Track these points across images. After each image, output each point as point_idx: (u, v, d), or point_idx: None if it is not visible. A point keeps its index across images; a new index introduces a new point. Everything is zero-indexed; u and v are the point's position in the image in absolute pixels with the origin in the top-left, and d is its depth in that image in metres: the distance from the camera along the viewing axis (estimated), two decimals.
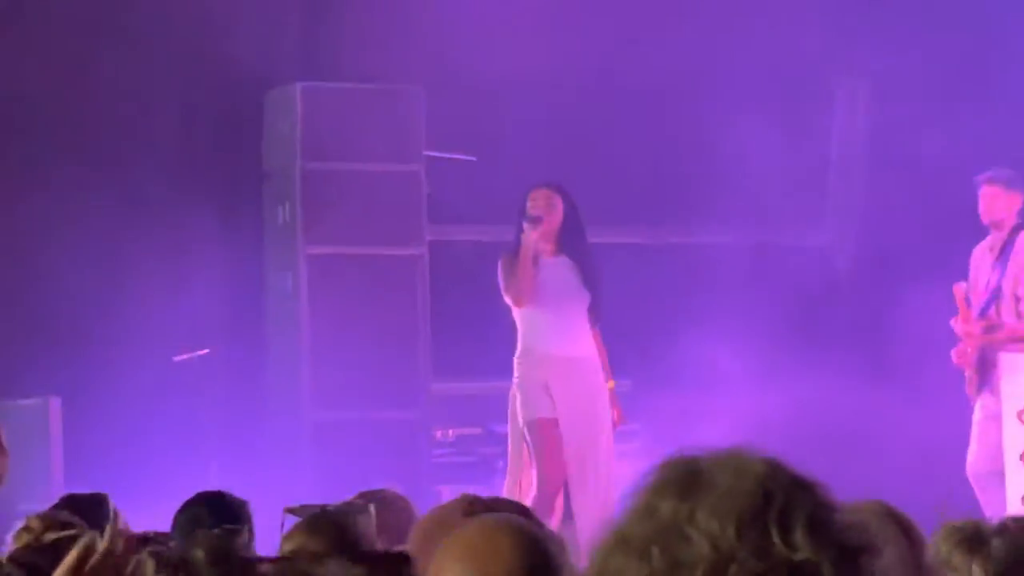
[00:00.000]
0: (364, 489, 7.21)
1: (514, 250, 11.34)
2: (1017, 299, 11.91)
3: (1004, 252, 11.96)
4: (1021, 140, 13.30)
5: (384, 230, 13.41)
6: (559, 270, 11.40)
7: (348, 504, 6.10)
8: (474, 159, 13.88)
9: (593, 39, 14.27)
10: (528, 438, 11.29)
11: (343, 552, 5.30)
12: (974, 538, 4.34)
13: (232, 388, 13.22)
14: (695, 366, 13.21)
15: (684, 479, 2.53)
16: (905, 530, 4.56)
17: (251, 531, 6.76)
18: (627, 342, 13.39)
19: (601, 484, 11.17)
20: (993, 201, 11.99)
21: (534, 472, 11.27)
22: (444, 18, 13.73)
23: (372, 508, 6.53)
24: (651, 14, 14.15)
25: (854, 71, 15.07)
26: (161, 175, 13.32)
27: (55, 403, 11.80)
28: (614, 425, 11.80)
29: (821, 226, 15.37)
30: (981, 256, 12.07)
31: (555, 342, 11.37)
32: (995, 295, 11.92)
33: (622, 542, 2.53)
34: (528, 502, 10.26)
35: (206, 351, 12.84)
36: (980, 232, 12.40)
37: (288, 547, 5.52)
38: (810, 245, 15.03)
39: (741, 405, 12.58)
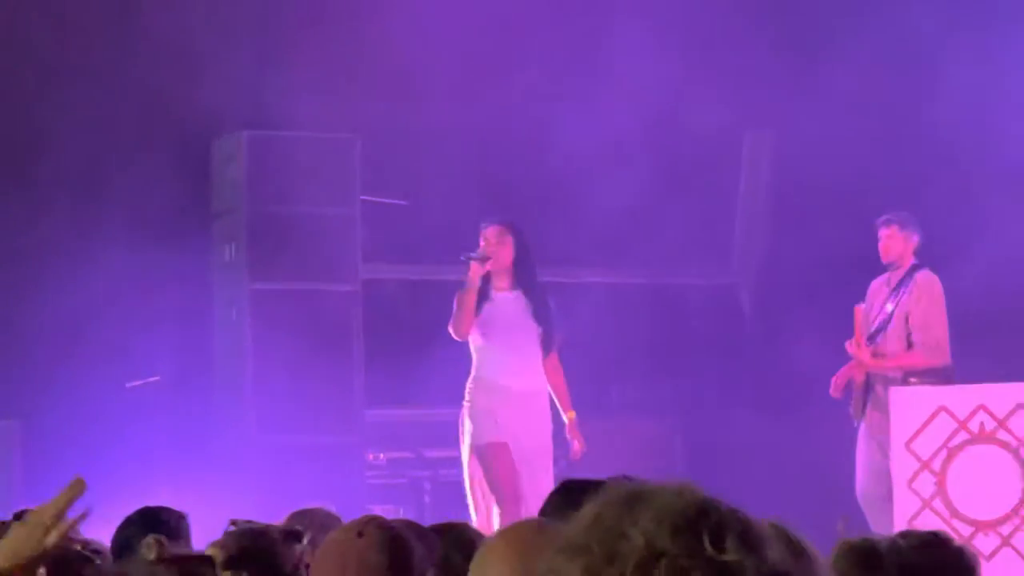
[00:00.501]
0: (301, 508, 7.31)
1: (466, 288, 11.23)
2: (909, 331, 12.02)
3: (900, 287, 12.08)
4: (917, 182, 13.36)
5: (322, 268, 13.40)
6: (511, 305, 11.29)
7: (283, 529, 5.95)
8: (405, 203, 13.95)
9: (514, 93, 14.12)
10: (481, 463, 11.17)
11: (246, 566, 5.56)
12: (870, 555, 4.41)
13: (181, 413, 13.19)
14: (600, 394, 13.34)
15: (630, 495, 2.61)
16: (796, 550, 3.90)
17: (188, 543, 6.73)
18: None
19: (539, 492, 10.46)
20: (891, 242, 12.08)
21: (493, 496, 11.15)
22: (379, 72, 13.91)
23: (306, 536, 6.41)
24: (568, 72, 14.22)
25: (759, 121, 15.09)
26: (117, 215, 13.22)
27: (17, 426, 11.92)
28: (574, 455, 11.69)
29: (727, 267, 15.32)
30: (878, 288, 12.17)
31: (504, 373, 11.23)
32: (884, 325, 12.06)
33: (567, 546, 2.62)
34: (497, 524, 10.56)
35: (157, 378, 13.00)
36: (877, 268, 12.28)
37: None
38: (716, 284, 15.06)
39: (641, 430, 12.81)
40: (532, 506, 10.70)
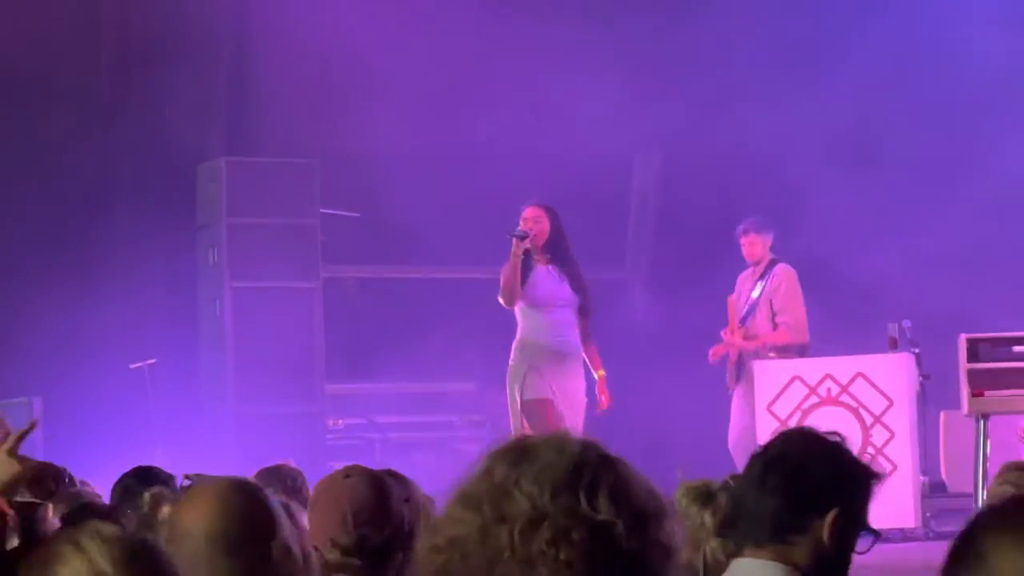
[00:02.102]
0: (271, 465, 7.37)
1: (514, 261, 10.88)
2: (772, 313, 12.00)
3: (763, 278, 12.05)
4: (767, 197, 13.28)
5: (289, 269, 13.35)
6: (549, 277, 10.92)
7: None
8: (357, 215, 13.74)
9: (445, 121, 13.89)
10: (529, 417, 10.87)
11: None
12: (704, 494, 4.30)
13: (173, 389, 13.01)
14: None
15: (515, 451, 2.52)
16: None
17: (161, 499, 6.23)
18: (475, 349, 13.43)
19: None
20: (751, 246, 12.07)
21: None
22: (334, 108, 13.79)
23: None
24: (495, 102, 13.96)
25: (649, 140, 14.89)
26: (120, 227, 13.37)
27: (38, 401, 11.69)
28: (601, 407, 11.41)
29: (621, 263, 15.19)
30: (744, 280, 12.12)
31: (546, 336, 10.90)
32: (752, 310, 12.05)
33: (461, 497, 2.52)
34: None
35: (153, 361, 12.70)
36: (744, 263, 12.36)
37: None
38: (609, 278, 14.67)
39: None
40: None
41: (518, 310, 10.96)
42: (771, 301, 12.02)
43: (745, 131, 14.44)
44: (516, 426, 10.99)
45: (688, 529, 4.13)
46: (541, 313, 10.93)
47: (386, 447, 12.89)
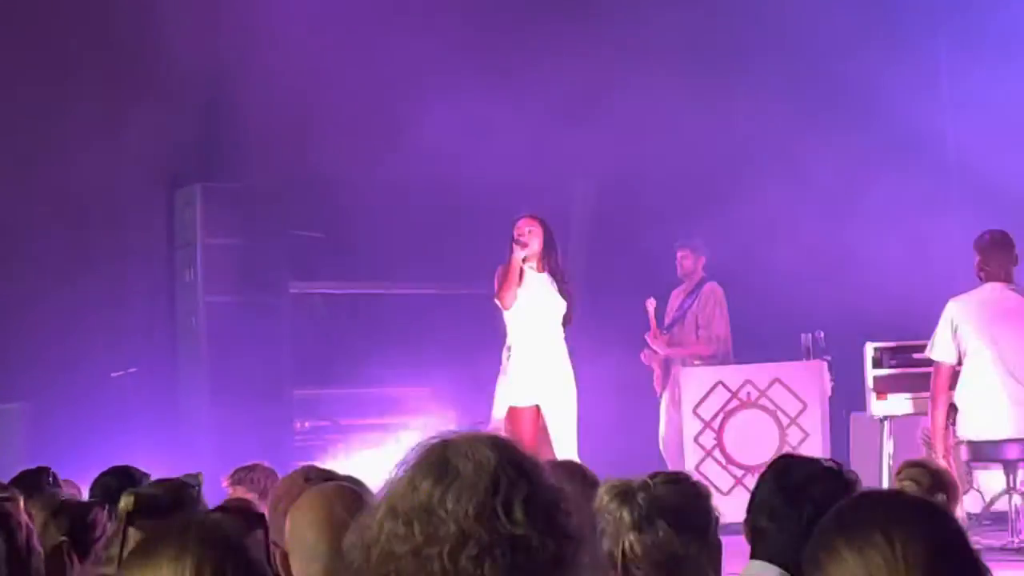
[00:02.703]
0: (246, 464, 7.43)
1: (505, 266, 10.71)
2: (698, 327, 12.17)
3: (692, 294, 12.28)
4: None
5: (259, 285, 13.34)
6: (541, 283, 10.71)
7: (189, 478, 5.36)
8: (320, 235, 13.83)
9: (401, 147, 13.58)
10: (510, 422, 10.59)
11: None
12: (625, 491, 4.23)
13: (153, 394, 13.01)
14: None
15: (437, 466, 2.49)
16: (587, 481, 4.63)
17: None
18: (428, 357, 13.29)
19: (566, 447, 10.42)
20: (684, 260, 12.32)
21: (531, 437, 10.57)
22: (301, 133, 13.63)
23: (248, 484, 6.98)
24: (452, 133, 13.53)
25: (584, 173, 14.98)
26: (103, 245, 13.24)
27: (24, 407, 11.68)
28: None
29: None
30: (676, 295, 12.33)
31: (534, 341, 10.69)
32: (677, 320, 12.27)
33: (392, 510, 2.51)
34: None
35: (134, 369, 12.79)
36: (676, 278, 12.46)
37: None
38: None
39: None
40: (564, 442, 10.54)
41: (508, 315, 10.80)
42: (697, 316, 12.22)
43: (664, 155, 14.28)
44: (497, 425, 10.72)
45: (609, 524, 4.15)
46: (530, 319, 10.76)
47: (348, 446, 12.67)
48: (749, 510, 4.39)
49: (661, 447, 11.99)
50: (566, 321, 10.79)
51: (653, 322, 12.17)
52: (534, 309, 10.68)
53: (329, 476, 4.79)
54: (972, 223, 12.01)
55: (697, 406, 11.32)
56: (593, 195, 14.54)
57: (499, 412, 10.64)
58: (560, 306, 10.71)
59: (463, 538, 2.40)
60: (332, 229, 13.97)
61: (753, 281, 12.87)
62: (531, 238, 10.62)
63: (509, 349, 10.75)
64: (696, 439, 11.32)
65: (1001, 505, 9.74)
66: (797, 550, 3.51)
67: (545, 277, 10.73)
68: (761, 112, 14.53)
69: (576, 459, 9.97)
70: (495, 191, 13.40)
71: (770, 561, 4.19)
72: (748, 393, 11.27)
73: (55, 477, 7.05)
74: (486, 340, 12.91)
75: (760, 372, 11.35)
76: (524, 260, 10.64)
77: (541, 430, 10.47)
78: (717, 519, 4.24)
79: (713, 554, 4.17)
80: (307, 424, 13.34)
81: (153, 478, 6.50)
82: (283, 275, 13.59)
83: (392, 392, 13.68)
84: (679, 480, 4.27)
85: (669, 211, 13.79)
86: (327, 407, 13.59)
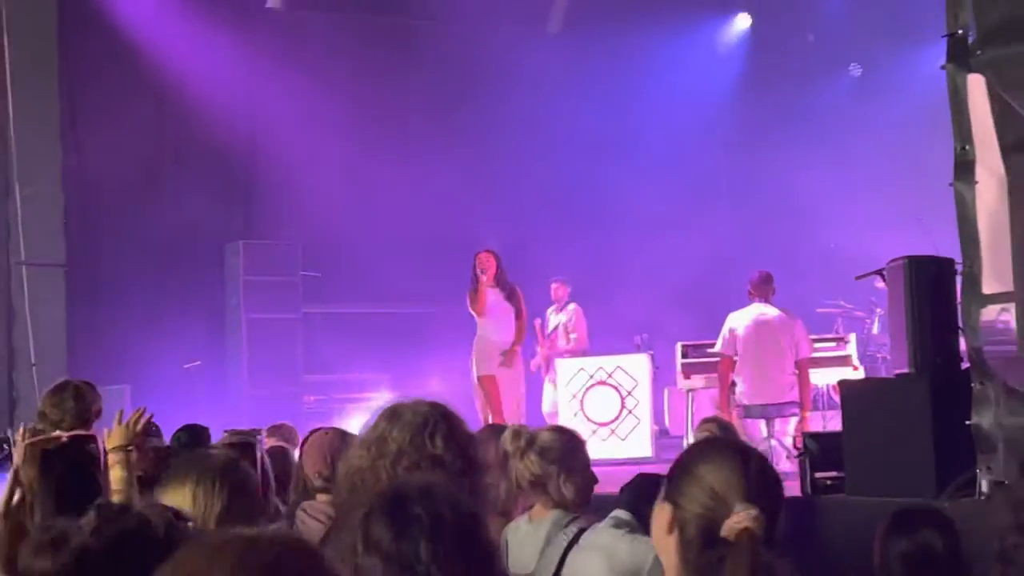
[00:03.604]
0: (274, 423, 7.49)
1: (474, 287, 10.51)
2: (568, 332, 11.93)
3: (562, 310, 12.06)
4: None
5: (281, 307, 13.34)
6: (496, 295, 10.58)
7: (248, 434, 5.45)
8: (319, 275, 13.47)
9: (373, 204, 13.52)
10: (481, 387, 10.50)
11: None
12: (518, 434, 4.07)
13: (211, 379, 12.94)
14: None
15: (390, 412, 2.52)
16: (498, 431, 4.37)
17: (209, 443, 6.45)
18: (393, 354, 13.31)
19: (513, 413, 10.28)
20: (557, 291, 12.07)
21: (489, 408, 10.42)
22: (312, 203, 13.31)
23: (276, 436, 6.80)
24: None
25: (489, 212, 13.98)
26: (181, 280, 13.23)
27: (127, 388, 11.35)
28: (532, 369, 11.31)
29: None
30: (551, 312, 12.08)
31: (493, 334, 10.56)
32: (555, 330, 12.04)
33: (361, 442, 2.51)
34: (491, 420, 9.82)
35: (199, 362, 12.82)
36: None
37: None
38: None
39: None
40: (508, 409, 10.35)
41: (477, 318, 10.61)
42: (566, 325, 12.08)
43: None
44: (475, 390, 10.60)
45: (508, 455, 4.01)
46: (490, 320, 10.59)
47: (340, 412, 12.46)
48: (622, 489, 4.23)
49: (545, 411, 11.73)
50: (517, 316, 10.66)
51: (540, 333, 12.07)
52: (492, 313, 10.59)
53: (328, 429, 4.98)
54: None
55: (568, 384, 11.19)
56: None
57: (473, 378, 10.54)
58: (509, 311, 10.63)
59: (400, 455, 2.43)
60: (328, 269, 13.54)
61: (602, 300, 12.61)
62: (488, 265, 10.52)
63: (477, 339, 10.62)
64: (567, 404, 11.12)
65: (762, 447, 9.35)
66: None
67: (499, 291, 10.61)
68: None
69: (517, 412, 10.33)
70: (443, 232, 13.34)
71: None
72: (600, 375, 11.12)
73: (157, 428, 6.81)
74: (428, 344, 13.20)
75: (608, 361, 11.21)
76: (484, 282, 10.51)
77: (494, 391, 10.44)
78: (587, 456, 4.08)
79: (577, 479, 3.97)
80: (313, 399, 13.21)
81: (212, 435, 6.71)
82: (296, 300, 13.46)
83: (360, 376, 13.37)
84: (563, 430, 4.20)
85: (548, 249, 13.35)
86: (326, 387, 13.39)
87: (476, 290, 10.53)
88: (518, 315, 10.66)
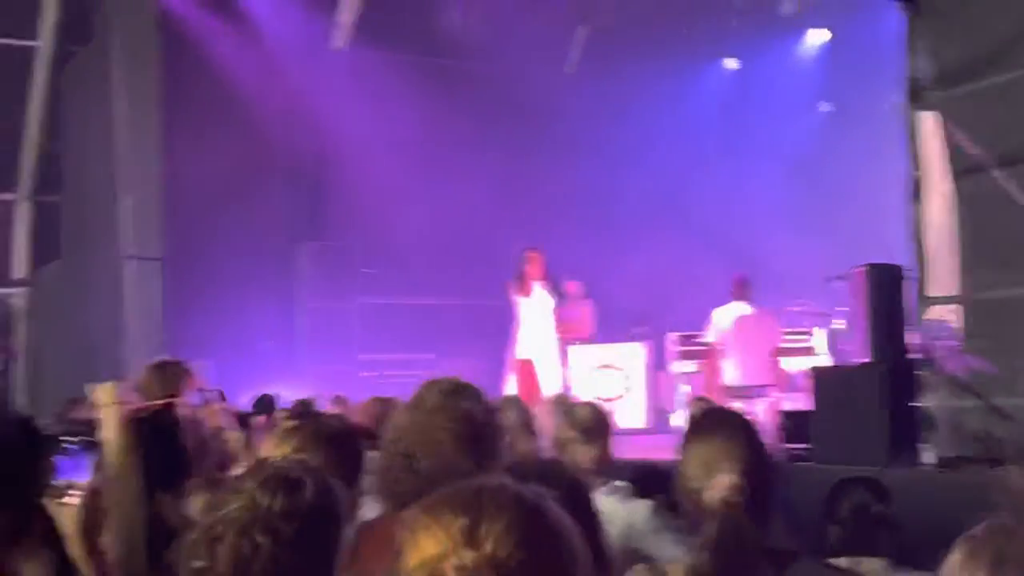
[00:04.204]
0: (336, 395, 7.74)
1: (519, 279, 10.16)
2: (579, 323, 11.28)
3: (574, 304, 11.31)
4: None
5: (341, 297, 13.22)
6: (539, 291, 10.20)
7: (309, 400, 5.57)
8: (374, 271, 13.33)
9: (427, 207, 13.22)
10: (518, 369, 10.16)
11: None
12: (568, 406, 4.00)
13: (283, 358, 12.77)
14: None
15: (429, 382, 2.44)
16: (524, 410, 4.28)
17: (275, 408, 6.48)
18: (439, 338, 13.19)
19: (549, 382, 9.96)
20: (571, 288, 11.26)
21: (529, 383, 10.00)
22: (369, 210, 13.22)
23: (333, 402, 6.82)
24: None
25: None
26: (261, 274, 12.98)
27: (212, 363, 10.48)
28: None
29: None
30: (565, 306, 11.02)
31: (534, 325, 10.19)
32: (567, 320, 11.02)
33: (402, 408, 2.47)
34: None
35: (272, 343, 12.82)
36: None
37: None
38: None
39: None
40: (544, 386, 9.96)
41: (520, 306, 10.27)
42: (578, 317, 11.55)
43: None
44: (513, 372, 10.25)
45: (556, 429, 3.86)
46: (531, 311, 10.26)
47: (388, 386, 11.06)
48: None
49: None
50: (557, 307, 10.31)
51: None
52: (535, 304, 10.29)
53: (374, 398, 5.25)
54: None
55: (578, 366, 11.08)
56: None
57: (512, 361, 10.32)
58: (550, 301, 10.30)
59: (436, 408, 2.36)
60: (381, 267, 13.47)
61: (607, 295, 12.21)
62: (533, 262, 10.23)
63: (521, 328, 10.29)
64: (577, 383, 10.86)
65: None
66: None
67: (544, 284, 10.25)
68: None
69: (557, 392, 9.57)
70: (477, 236, 13.14)
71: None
72: (604, 360, 11.16)
73: (222, 394, 7.37)
74: (463, 330, 13.19)
75: (611, 348, 11.26)
76: (530, 274, 10.20)
77: (533, 373, 10.17)
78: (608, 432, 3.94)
79: (604, 434, 3.87)
80: (366, 374, 13.06)
81: (282, 403, 6.92)
82: (354, 292, 13.38)
83: (412, 356, 13.18)
84: (595, 407, 4.07)
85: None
86: (378, 365, 13.23)
87: (521, 280, 10.22)
88: (556, 307, 10.38)
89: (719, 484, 1.96)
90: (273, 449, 2.45)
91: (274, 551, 1.64)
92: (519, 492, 1.20)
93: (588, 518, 1.92)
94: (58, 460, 2.19)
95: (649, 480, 3.82)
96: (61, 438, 2.24)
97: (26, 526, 2.07)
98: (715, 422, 2.16)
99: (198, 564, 1.63)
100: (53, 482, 2.15)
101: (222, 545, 1.64)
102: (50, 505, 2.02)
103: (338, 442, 2.47)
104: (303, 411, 4.90)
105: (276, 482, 1.70)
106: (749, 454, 2.06)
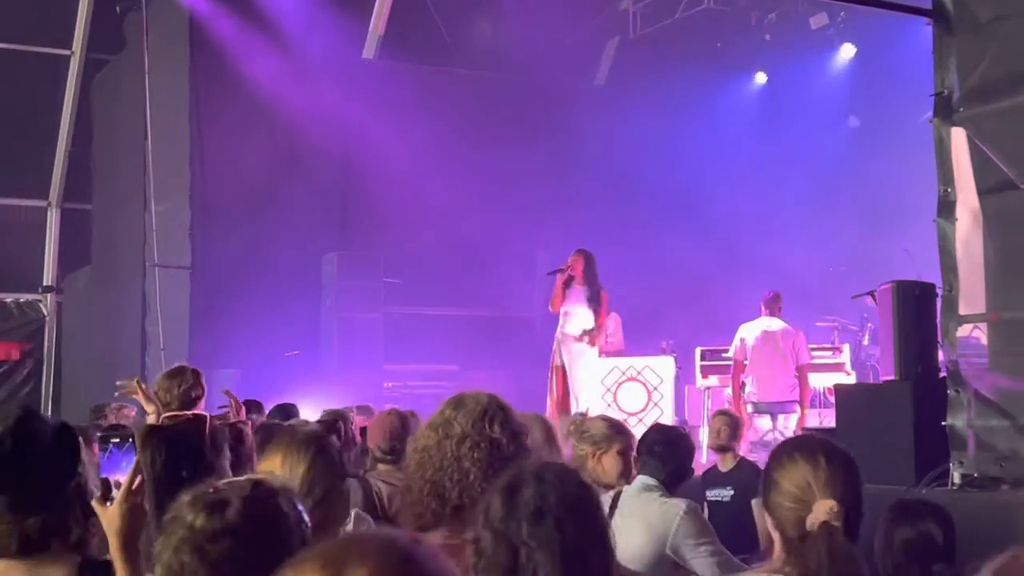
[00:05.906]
0: (360, 404, 7.64)
1: (565, 281, 10.06)
2: (606, 335, 11.00)
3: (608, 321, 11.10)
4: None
5: (366, 307, 13.12)
6: (580, 293, 10.05)
7: (340, 412, 5.45)
8: (399, 282, 13.29)
9: (450, 219, 13.22)
10: (553, 376, 10.09)
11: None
12: (580, 426, 4.08)
13: (307, 367, 12.47)
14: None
15: (456, 401, 2.45)
16: (547, 426, 4.14)
17: (297, 416, 6.42)
18: (461, 348, 13.05)
19: (584, 392, 10.02)
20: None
21: (559, 392, 10.04)
22: (394, 220, 13.25)
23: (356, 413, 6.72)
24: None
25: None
26: (288, 284, 12.86)
27: (238, 372, 11.25)
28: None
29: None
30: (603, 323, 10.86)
31: (571, 329, 10.09)
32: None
33: (428, 424, 2.46)
34: (557, 405, 9.69)
35: (297, 352, 12.58)
36: None
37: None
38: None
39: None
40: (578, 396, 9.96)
41: (560, 313, 10.16)
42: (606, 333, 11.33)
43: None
44: (550, 377, 10.21)
45: (572, 443, 3.98)
46: (569, 316, 10.12)
47: (412, 397, 12.26)
48: (638, 451, 4.15)
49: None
50: (595, 315, 10.14)
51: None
52: (572, 309, 10.14)
53: (391, 411, 5.11)
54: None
55: (603, 379, 10.90)
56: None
57: (552, 367, 10.23)
58: (588, 310, 10.10)
59: (463, 437, 2.37)
60: (406, 277, 13.45)
61: (635, 309, 12.18)
62: (575, 263, 10.05)
63: (560, 332, 10.18)
64: (602, 397, 10.82)
65: (767, 438, 9.69)
66: (669, 473, 3.88)
67: (584, 289, 10.07)
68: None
69: (581, 398, 9.82)
70: (502, 248, 13.07)
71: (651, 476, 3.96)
72: (631, 372, 10.91)
73: (259, 406, 7.27)
74: (488, 341, 13.10)
75: (638, 361, 11.04)
76: (571, 278, 9.99)
77: (560, 381, 10.11)
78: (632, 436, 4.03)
79: (616, 443, 3.97)
80: (391, 384, 13.05)
81: (303, 414, 6.81)
82: (379, 302, 13.30)
83: (436, 367, 13.22)
84: (603, 418, 4.21)
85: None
86: (403, 375, 13.22)
87: (557, 287, 10.13)
88: (597, 315, 10.18)
89: (821, 508, 2.04)
90: (261, 463, 2.52)
91: (203, 571, 1.70)
92: (391, 542, 1.17)
93: (589, 523, 1.97)
94: (102, 458, 2.22)
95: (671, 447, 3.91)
96: (104, 434, 2.24)
97: (60, 530, 2.12)
98: (814, 446, 2.22)
99: None
100: (95, 482, 2.18)
101: (160, 564, 1.74)
102: (96, 506, 2.07)
103: (316, 450, 2.53)
104: (333, 421, 4.93)
105: (201, 503, 1.77)
106: (846, 480, 2.14)
